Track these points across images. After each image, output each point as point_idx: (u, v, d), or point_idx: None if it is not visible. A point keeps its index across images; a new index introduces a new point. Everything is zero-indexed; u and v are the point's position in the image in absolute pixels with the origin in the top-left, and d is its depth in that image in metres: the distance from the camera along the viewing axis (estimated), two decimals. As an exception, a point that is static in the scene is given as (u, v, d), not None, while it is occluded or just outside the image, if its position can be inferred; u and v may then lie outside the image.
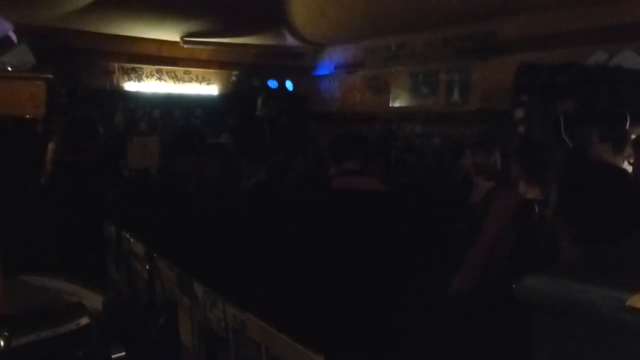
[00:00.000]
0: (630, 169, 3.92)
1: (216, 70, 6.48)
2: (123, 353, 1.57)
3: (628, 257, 1.42)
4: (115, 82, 5.84)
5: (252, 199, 2.78)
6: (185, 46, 5.89)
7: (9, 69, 1.54)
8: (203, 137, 3.66)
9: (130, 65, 5.93)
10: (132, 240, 1.86)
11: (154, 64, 6.05)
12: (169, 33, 5.71)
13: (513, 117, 4.16)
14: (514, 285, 1.15)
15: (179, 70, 6.24)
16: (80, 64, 5.48)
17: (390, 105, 6.02)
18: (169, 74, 6.19)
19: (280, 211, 2.83)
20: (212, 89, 6.50)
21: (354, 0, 4.98)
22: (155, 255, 1.67)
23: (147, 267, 1.72)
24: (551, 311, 1.05)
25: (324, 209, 2.60)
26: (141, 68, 5.99)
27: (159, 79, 6.14)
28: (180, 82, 6.29)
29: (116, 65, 5.83)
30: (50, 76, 1.42)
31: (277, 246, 2.40)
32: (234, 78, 6.58)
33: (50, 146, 3.97)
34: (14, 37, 1.70)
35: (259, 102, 5.12)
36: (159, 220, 2.50)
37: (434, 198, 3.52)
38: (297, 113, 6.95)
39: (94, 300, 2.03)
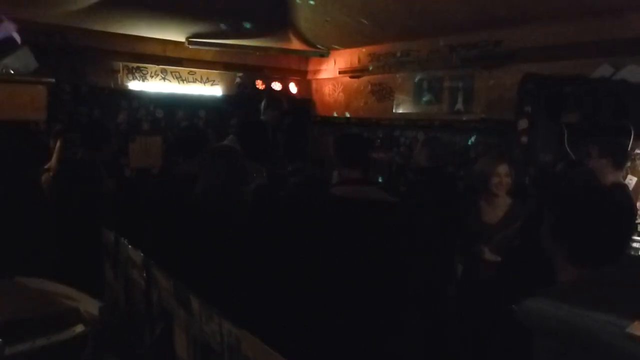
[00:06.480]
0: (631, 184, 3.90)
1: (220, 72, 6.47)
2: (116, 364, 1.56)
3: (628, 281, 1.40)
4: (119, 81, 5.82)
5: (254, 203, 2.77)
6: (190, 47, 5.89)
7: (12, 72, 1.53)
8: (207, 139, 3.65)
9: (134, 65, 5.91)
10: (130, 247, 1.85)
11: (158, 64, 6.03)
12: (174, 33, 5.71)
13: (516, 128, 4.13)
14: (513, 307, 1.13)
15: (184, 70, 6.22)
16: (85, 63, 5.47)
17: (393, 111, 6.01)
18: (173, 74, 6.18)
19: (282, 218, 2.80)
20: (216, 90, 6.49)
21: (360, 5, 4.98)
22: (152, 263, 1.66)
23: (144, 276, 1.71)
24: (552, 335, 1.03)
25: (328, 216, 2.58)
26: (146, 67, 5.98)
27: (164, 78, 6.13)
28: (185, 82, 6.28)
29: (121, 64, 5.82)
30: (52, 80, 1.42)
31: (279, 255, 2.38)
32: (238, 80, 6.57)
33: (53, 143, 3.95)
34: (17, 38, 1.69)
35: (263, 104, 5.10)
36: (160, 226, 2.49)
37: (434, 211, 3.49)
38: (300, 117, 6.95)
39: (91, 306, 2.01)
